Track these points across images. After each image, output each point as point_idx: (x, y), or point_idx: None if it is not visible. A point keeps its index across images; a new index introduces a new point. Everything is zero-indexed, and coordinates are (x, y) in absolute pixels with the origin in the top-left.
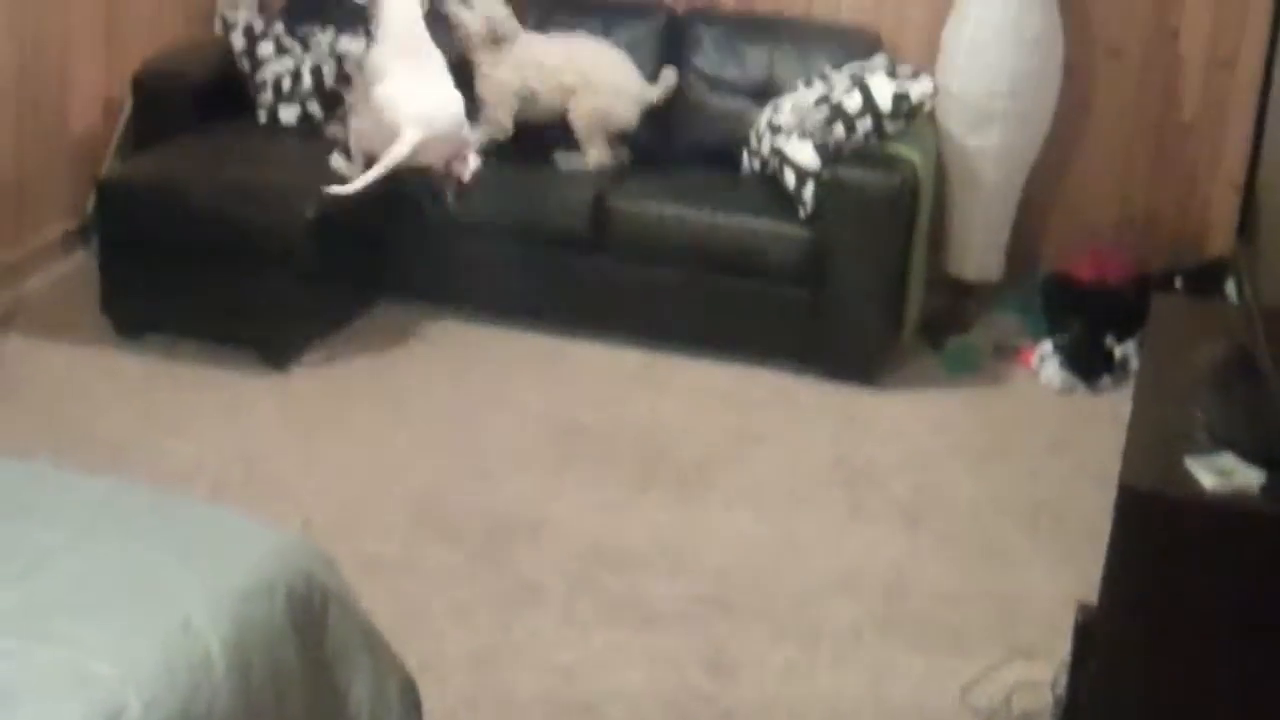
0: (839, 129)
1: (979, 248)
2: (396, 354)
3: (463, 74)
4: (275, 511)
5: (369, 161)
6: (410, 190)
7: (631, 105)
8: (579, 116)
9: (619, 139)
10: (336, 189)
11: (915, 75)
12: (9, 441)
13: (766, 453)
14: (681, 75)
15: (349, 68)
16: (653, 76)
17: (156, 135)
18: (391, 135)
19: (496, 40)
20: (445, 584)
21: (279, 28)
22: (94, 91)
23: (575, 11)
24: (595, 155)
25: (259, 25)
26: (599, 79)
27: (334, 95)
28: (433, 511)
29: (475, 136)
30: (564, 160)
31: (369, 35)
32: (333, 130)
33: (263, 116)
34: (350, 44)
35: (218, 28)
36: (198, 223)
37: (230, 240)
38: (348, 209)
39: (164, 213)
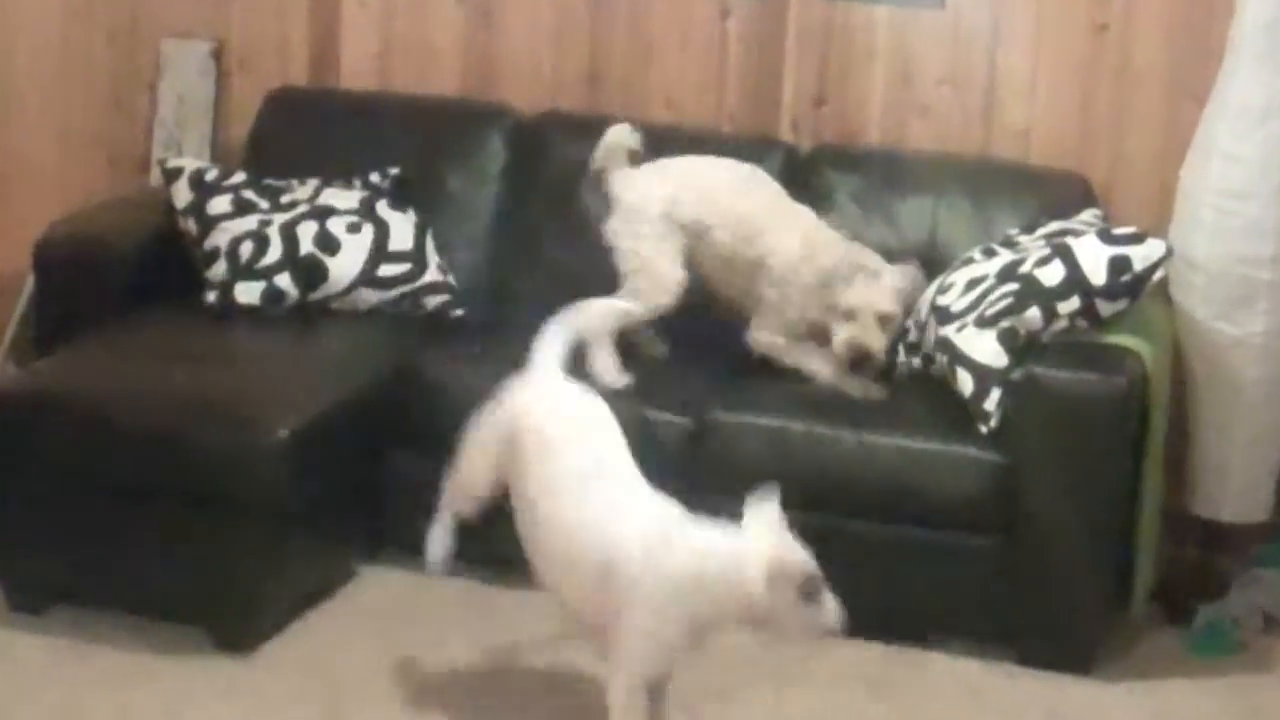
0: (1034, 313)
1: (1238, 478)
2: (403, 631)
3: None
4: None
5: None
6: None
7: None
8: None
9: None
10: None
11: (1139, 237)
12: None
13: None
14: None
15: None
16: None
17: (66, 327)
18: None
19: None
20: None
21: (239, 177)
22: None
23: (657, 150)
24: None
25: (212, 174)
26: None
27: (313, 268)
28: None
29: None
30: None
31: None
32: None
33: (213, 297)
34: (339, 196)
35: (154, 177)
36: (125, 452)
37: (170, 476)
38: (337, 425)
39: (76, 438)
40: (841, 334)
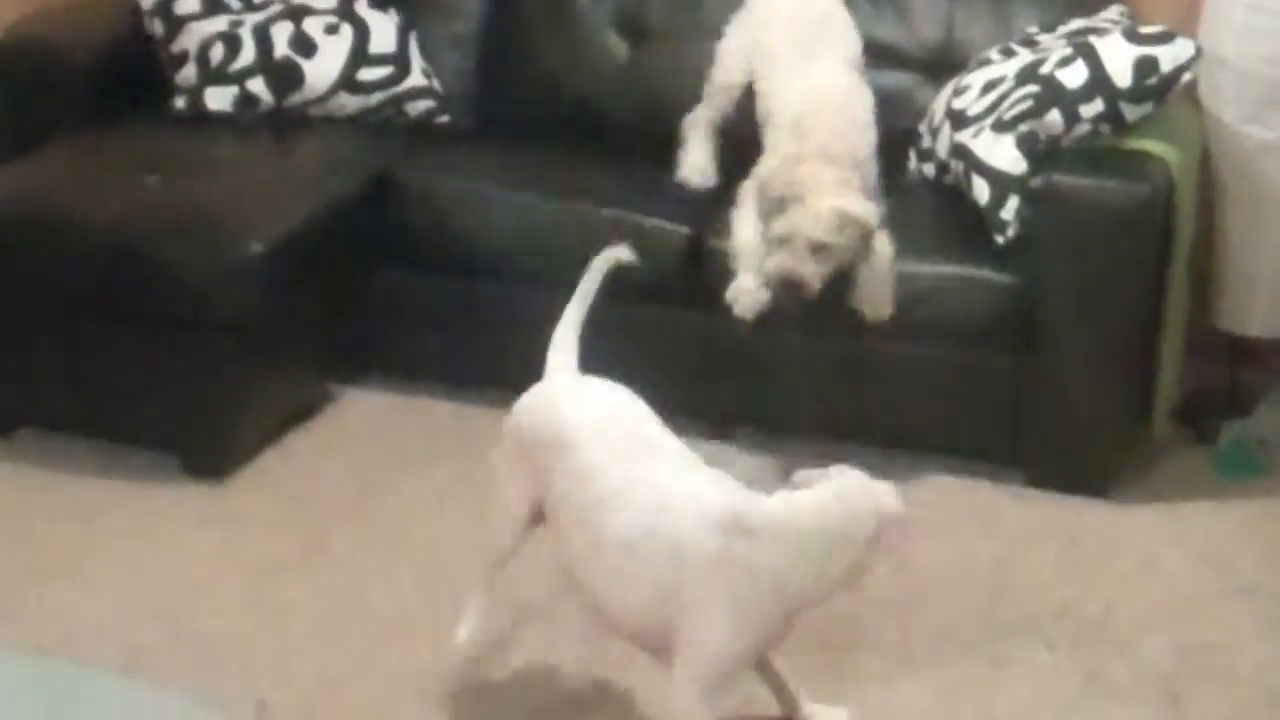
0: (1054, 116)
1: (1267, 290)
2: (382, 457)
3: None
4: (217, 687)
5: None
6: None
7: None
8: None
9: None
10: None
11: (1166, 36)
12: None
13: (951, 595)
14: None
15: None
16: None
17: (24, 137)
18: None
19: None
20: None
21: None
22: None
23: None
24: None
25: None
26: None
27: (288, 72)
28: (446, 685)
29: None
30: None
31: None
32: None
33: (182, 103)
34: None
35: None
36: (89, 269)
37: (137, 294)
38: (313, 239)
39: (38, 255)
40: (771, 261)
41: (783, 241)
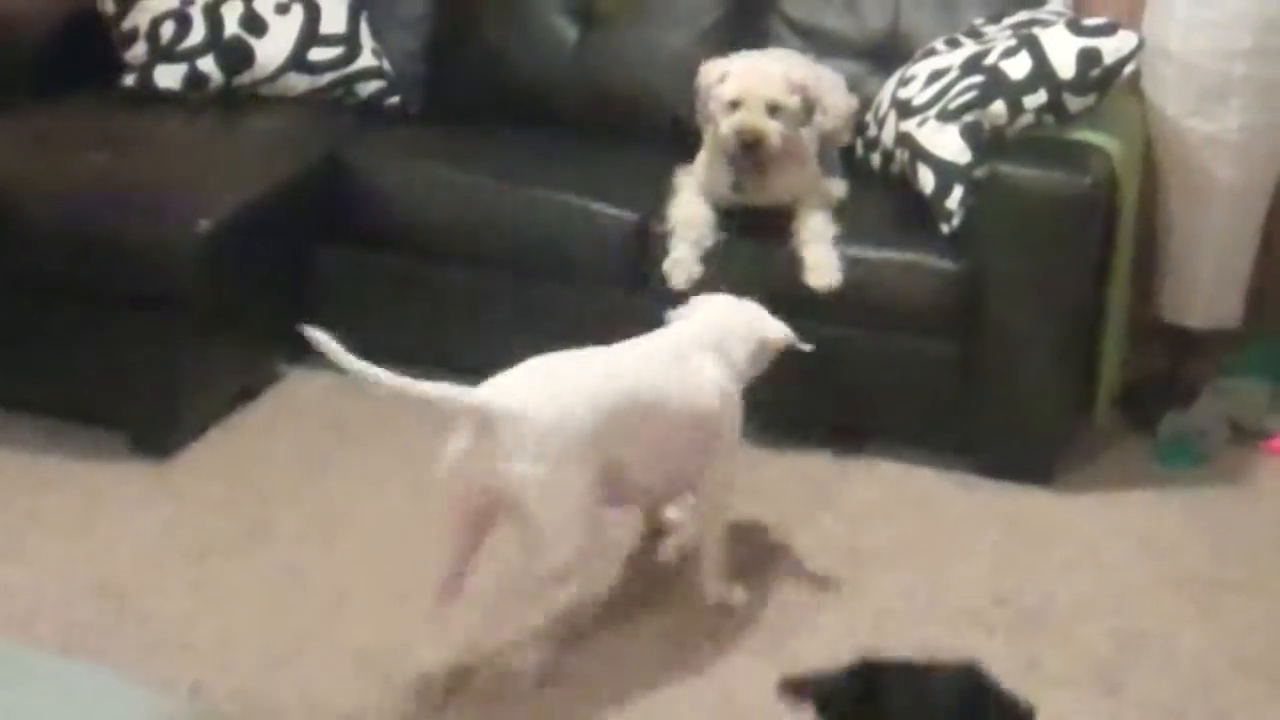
0: (999, 107)
1: (1208, 282)
2: (327, 437)
3: None
4: (156, 668)
5: None
6: None
7: None
8: None
9: None
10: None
11: (1109, 28)
12: None
13: (893, 581)
14: (764, 25)
15: None
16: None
17: None
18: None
19: None
20: None
21: None
22: None
23: None
24: None
25: None
26: None
27: (238, 51)
28: (388, 665)
29: None
30: None
31: None
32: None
33: (132, 80)
34: None
35: None
36: (35, 245)
37: (84, 270)
38: (261, 218)
39: None
40: (728, 123)
41: (735, 105)
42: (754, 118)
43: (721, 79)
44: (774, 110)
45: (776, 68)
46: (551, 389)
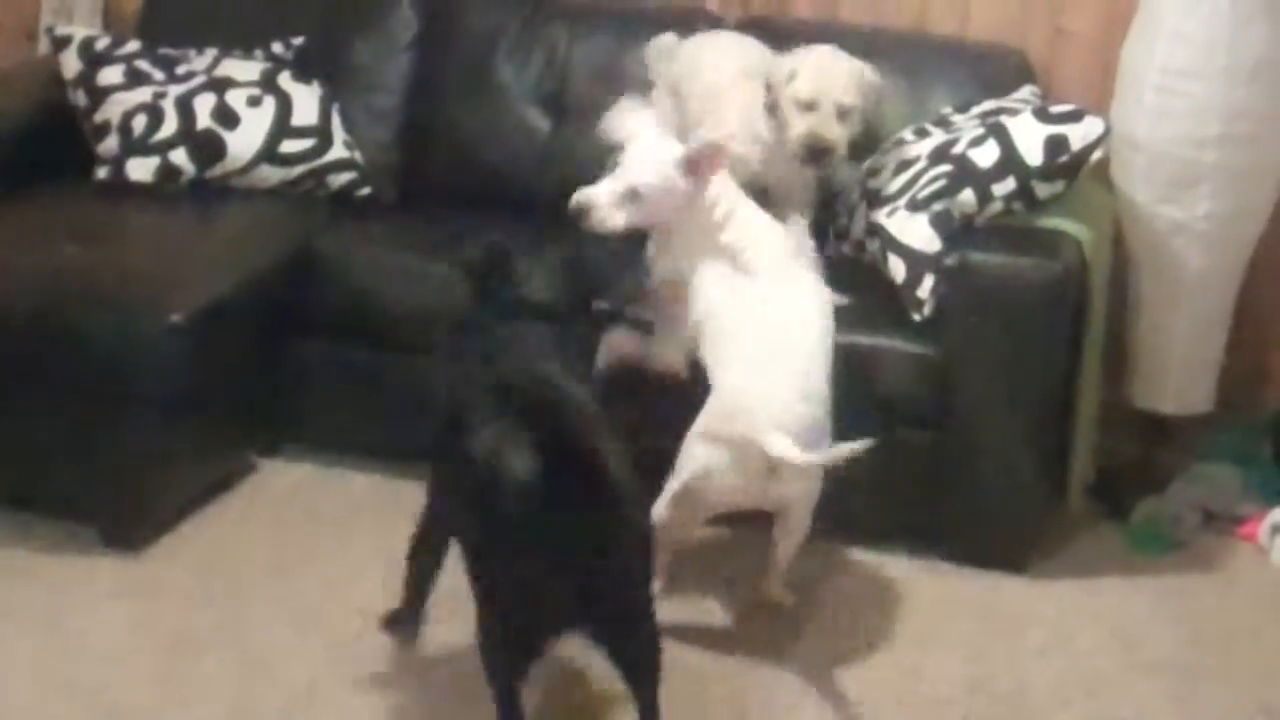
0: (968, 195)
1: (1179, 368)
2: (300, 529)
3: None
4: None
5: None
6: None
7: None
8: None
9: None
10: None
11: (1077, 114)
12: None
13: (865, 670)
14: None
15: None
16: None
17: None
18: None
19: None
20: None
21: (132, 46)
22: None
23: (581, 22)
24: None
25: (103, 42)
26: None
27: (210, 144)
28: None
29: None
30: None
31: None
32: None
33: (104, 173)
34: (238, 68)
35: (42, 45)
36: (6, 335)
37: (56, 362)
38: (233, 310)
39: None
40: (800, 126)
41: (809, 106)
42: (824, 127)
43: (791, 76)
44: (843, 114)
45: (845, 65)
46: (815, 413)
